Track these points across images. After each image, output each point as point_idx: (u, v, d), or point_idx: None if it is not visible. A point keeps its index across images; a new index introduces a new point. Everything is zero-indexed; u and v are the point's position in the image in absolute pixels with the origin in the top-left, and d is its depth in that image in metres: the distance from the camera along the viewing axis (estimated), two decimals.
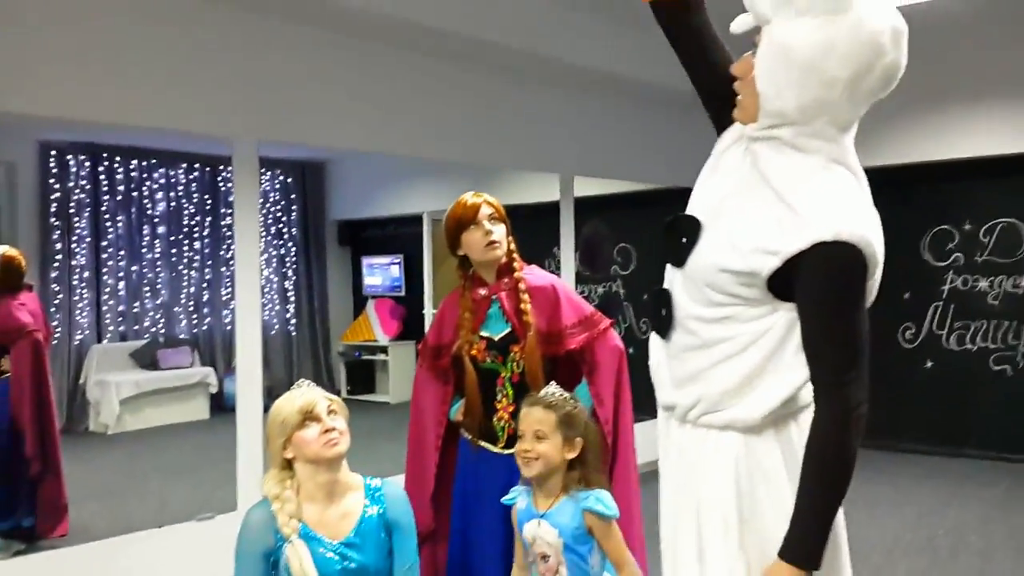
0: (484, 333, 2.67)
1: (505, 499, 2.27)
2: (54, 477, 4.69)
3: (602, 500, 2.15)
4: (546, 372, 2.61)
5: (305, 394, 2.18)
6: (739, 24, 1.65)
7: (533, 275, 2.73)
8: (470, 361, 2.65)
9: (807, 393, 1.63)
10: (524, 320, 2.61)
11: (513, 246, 2.70)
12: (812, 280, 1.53)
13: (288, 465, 2.20)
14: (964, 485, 5.80)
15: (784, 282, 1.56)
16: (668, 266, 1.79)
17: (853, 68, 1.52)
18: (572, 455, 2.16)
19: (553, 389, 2.23)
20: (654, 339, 1.83)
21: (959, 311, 6.65)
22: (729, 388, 1.64)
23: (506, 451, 2.58)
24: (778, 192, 1.59)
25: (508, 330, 2.64)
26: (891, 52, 1.55)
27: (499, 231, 2.64)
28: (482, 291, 2.69)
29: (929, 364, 6.72)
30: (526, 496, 2.21)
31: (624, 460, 2.67)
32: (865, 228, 1.54)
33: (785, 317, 1.60)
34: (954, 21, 5.57)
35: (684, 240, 1.70)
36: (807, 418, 1.61)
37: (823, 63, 1.52)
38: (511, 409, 2.61)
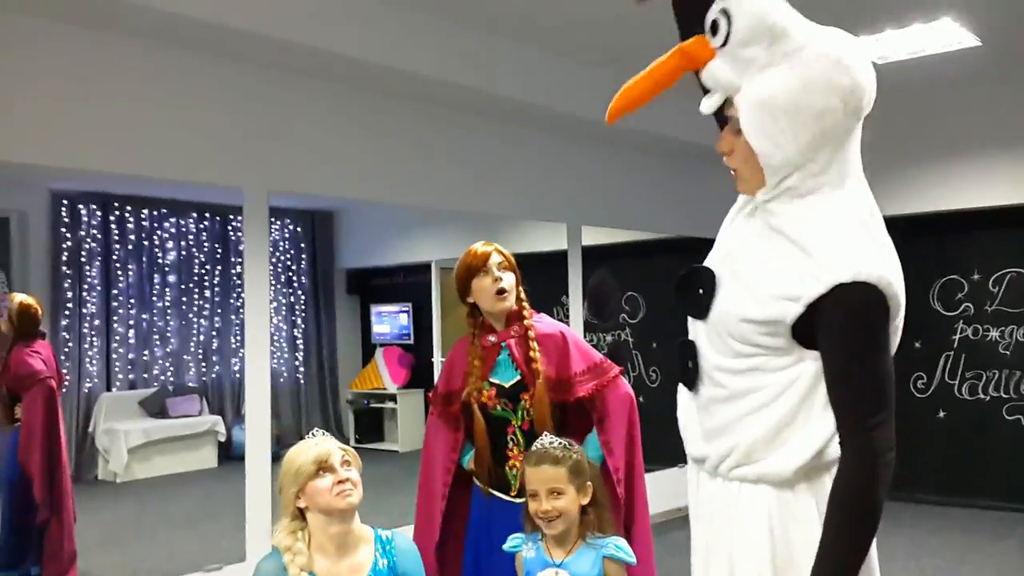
0: (494, 380, 2.67)
1: (507, 547, 2.24)
2: (63, 526, 4.66)
3: (622, 548, 2.16)
4: (555, 420, 2.61)
5: (320, 444, 2.18)
6: (707, 105, 1.67)
7: (542, 323, 2.74)
8: (480, 408, 2.65)
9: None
10: (533, 368, 2.61)
11: (523, 295, 2.72)
12: (833, 323, 1.51)
13: (300, 515, 2.19)
14: (979, 536, 5.72)
15: (808, 329, 1.54)
16: (690, 318, 1.78)
17: (837, 92, 1.54)
18: (586, 501, 2.16)
19: (549, 440, 2.22)
20: (682, 392, 1.81)
21: (970, 361, 6.62)
22: (759, 440, 1.61)
23: (519, 499, 2.55)
24: (793, 239, 1.58)
25: (518, 378, 2.65)
26: (859, 62, 1.57)
27: (508, 279, 2.66)
28: (491, 338, 2.70)
29: (942, 414, 6.67)
30: (533, 543, 2.19)
31: (640, 510, 2.66)
32: (884, 267, 1.52)
33: (812, 366, 1.57)
34: (962, 74, 5.64)
35: (701, 291, 1.69)
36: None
37: (808, 99, 1.53)
38: (522, 457, 2.59)
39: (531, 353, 2.63)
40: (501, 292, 2.63)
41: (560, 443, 2.20)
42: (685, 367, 1.75)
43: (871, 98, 1.60)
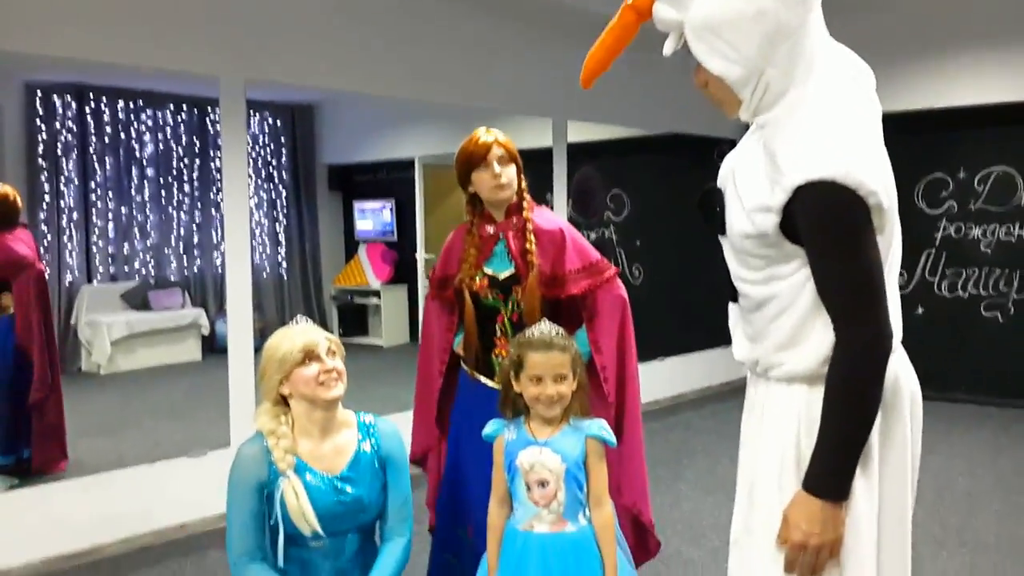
0: (488, 270, 2.67)
1: (486, 433, 2.26)
2: (58, 411, 4.73)
3: (604, 428, 2.20)
4: (546, 315, 2.59)
5: (307, 332, 2.17)
6: (668, 47, 1.72)
7: (542, 217, 2.72)
8: (471, 297, 2.66)
9: None
10: (528, 261, 2.62)
11: (524, 185, 2.70)
12: (803, 226, 1.54)
13: (282, 401, 2.19)
14: (952, 429, 5.87)
15: (796, 232, 1.57)
16: (719, 237, 1.82)
17: None
18: (575, 387, 2.18)
19: (548, 326, 2.23)
20: (731, 305, 1.86)
21: (951, 258, 6.67)
22: (782, 343, 1.66)
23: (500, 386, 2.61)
24: (769, 150, 1.60)
25: (512, 270, 2.65)
26: None
27: (509, 172, 2.64)
28: (490, 228, 2.70)
29: (920, 310, 6.76)
30: (515, 427, 2.22)
31: (631, 413, 2.68)
32: (844, 160, 1.50)
33: None
34: None
35: (719, 209, 1.74)
36: None
37: (738, 7, 1.56)
38: (508, 347, 2.59)
39: (527, 246, 2.63)
40: (500, 186, 2.62)
41: (558, 330, 2.22)
42: (728, 283, 1.81)
43: None
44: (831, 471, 1.56)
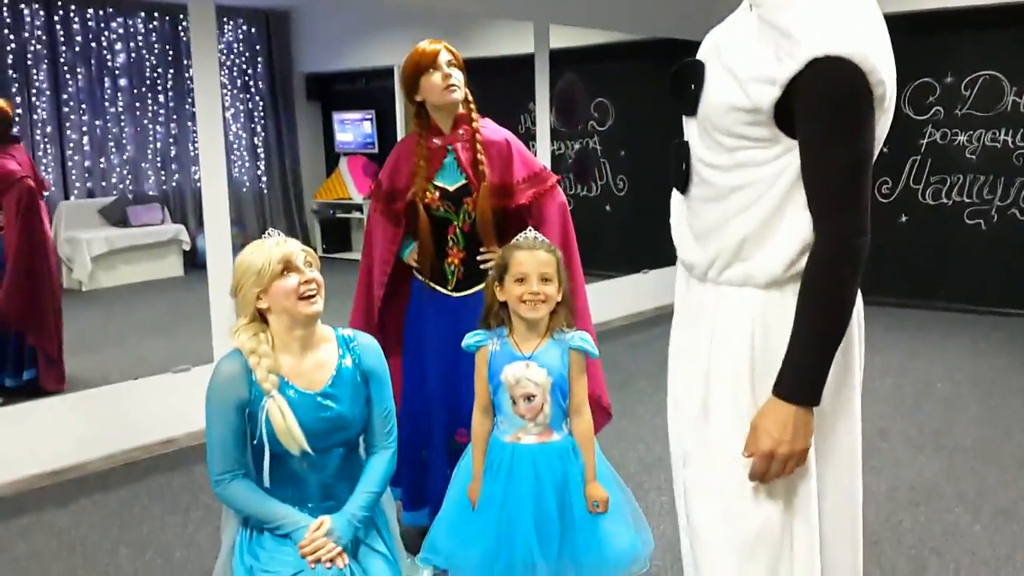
0: (438, 183, 2.74)
1: (467, 343, 2.25)
2: (50, 331, 4.70)
3: (587, 340, 2.19)
4: (495, 225, 2.73)
5: (282, 243, 2.11)
6: None
7: (488, 128, 2.78)
8: (424, 209, 2.72)
9: None
10: (480, 172, 2.70)
11: (471, 97, 2.75)
12: (808, 102, 1.45)
13: (259, 316, 2.15)
14: (933, 336, 5.93)
15: (790, 116, 1.49)
16: (684, 117, 1.73)
17: None
18: (559, 296, 2.17)
19: (533, 234, 2.22)
20: (675, 196, 1.78)
21: (936, 165, 6.64)
22: (747, 239, 1.58)
23: (455, 293, 2.78)
24: (775, 24, 1.51)
25: (463, 182, 2.72)
26: None
27: (457, 76, 2.68)
28: (437, 140, 2.75)
29: (904, 218, 6.75)
30: (498, 339, 2.20)
31: (581, 310, 2.72)
32: (863, 41, 1.45)
33: (797, 159, 1.53)
34: None
35: (692, 87, 1.63)
36: None
37: None
38: (461, 256, 2.77)
39: (478, 156, 2.70)
40: (450, 87, 2.65)
41: (543, 238, 2.22)
42: (678, 169, 1.71)
43: None
44: (806, 375, 1.51)
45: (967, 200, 6.55)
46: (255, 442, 2.09)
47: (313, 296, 2.09)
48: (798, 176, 1.52)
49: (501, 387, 2.16)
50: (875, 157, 1.56)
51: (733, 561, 1.64)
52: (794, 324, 1.52)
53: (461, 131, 2.73)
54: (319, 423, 2.10)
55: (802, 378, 1.52)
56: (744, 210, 1.58)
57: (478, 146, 2.71)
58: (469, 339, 2.25)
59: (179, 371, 4.20)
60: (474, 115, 2.75)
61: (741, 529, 1.64)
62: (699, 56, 1.69)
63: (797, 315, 1.52)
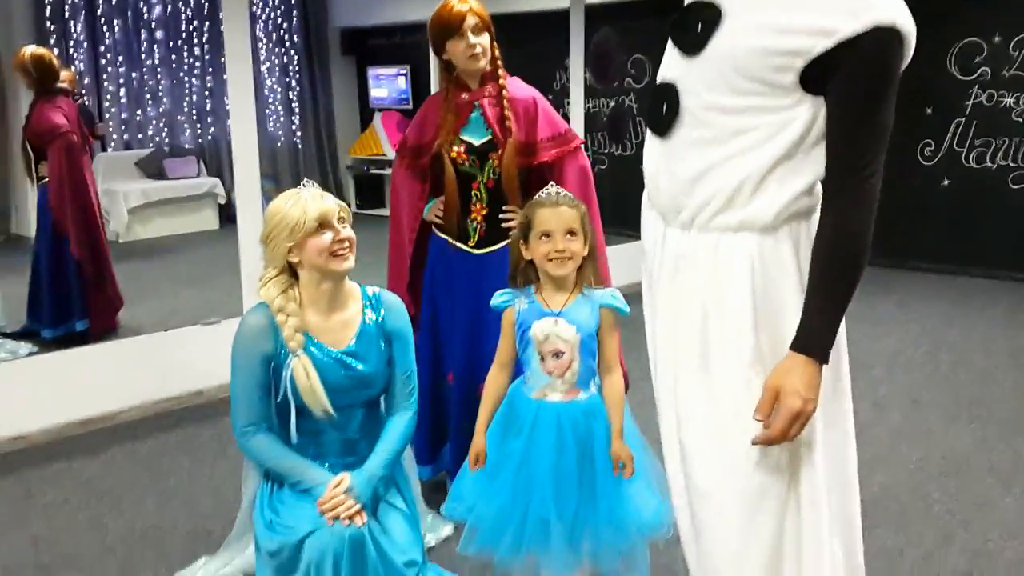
0: (464, 137, 2.75)
1: (495, 303, 2.23)
2: (106, 278, 4.78)
3: (617, 298, 2.16)
4: (520, 182, 2.75)
5: (318, 198, 2.09)
6: None
7: (515, 86, 2.80)
8: (450, 163, 2.73)
9: (819, 190, 1.60)
10: (506, 127, 2.71)
11: (498, 53, 2.76)
12: (862, 65, 1.46)
13: (288, 268, 2.14)
14: (970, 304, 5.82)
15: (819, 69, 1.48)
16: (671, 58, 1.70)
17: None
18: (586, 253, 2.14)
19: (556, 189, 2.19)
20: (651, 141, 1.75)
21: (981, 128, 6.45)
22: (746, 182, 1.57)
23: (476, 250, 2.80)
24: None
25: (488, 137, 2.73)
26: None
27: (483, 41, 2.68)
28: (465, 96, 2.76)
29: (946, 182, 6.59)
30: (526, 296, 2.18)
31: (601, 269, 2.70)
32: (911, 19, 1.49)
33: (808, 111, 1.54)
34: None
35: (701, 26, 1.60)
36: (818, 217, 1.58)
37: None
38: (484, 212, 2.77)
39: (505, 112, 2.71)
40: (474, 56, 2.67)
41: (567, 193, 2.19)
42: (659, 111, 1.68)
43: None
44: (826, 333, 1.52)
45: (1012, 164, 6.37)
46: (279, 399, 2.10)
47: (345, 253, 2.08)
48: (805, 129, 1.54)
49: (530, 343, 2.15)
50: None
51: (740, 516, 1.63)
52: (817, 278, 1.53)
53: (488, 88, 2.75)
54: (342, 380, 2.11)
55: (824, 336, 1.52)
56: (745, 153, 1.57)
57: (505, 102, 2.72)
58: (496, 298, 2.23)
59: (209, 323, 4.23)
60: (500, 72, 2.75)
61: (748, 482, 1.62)
62: None
63: (818, 273, 1.53)
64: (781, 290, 1.61)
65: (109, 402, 3.92)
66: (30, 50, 4.69)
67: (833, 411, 1.68)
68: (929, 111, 6.50)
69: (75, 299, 4.79)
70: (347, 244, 2.09)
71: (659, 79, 1.73)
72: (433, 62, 9.60)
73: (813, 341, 1.52)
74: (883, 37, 1.45)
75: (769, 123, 1.55)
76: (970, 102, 6.44)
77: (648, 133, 1.76)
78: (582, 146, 2.85)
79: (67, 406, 3.81)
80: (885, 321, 5.34)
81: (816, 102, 1.53)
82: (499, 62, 2.75)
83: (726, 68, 1.57)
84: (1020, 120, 6.29)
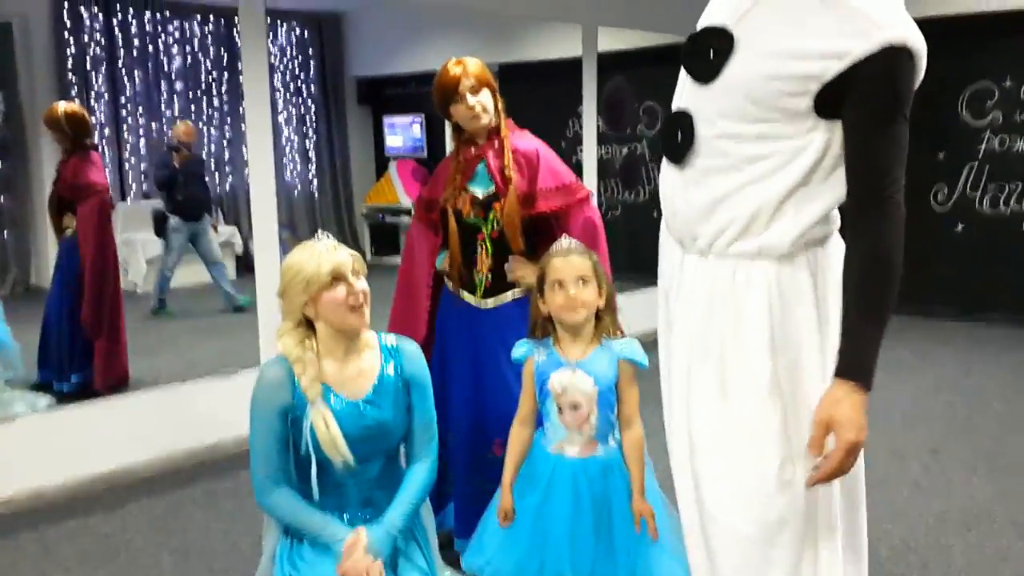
0: (470, 189, 2.80)
1: (516, 355, 2.25)
2: (116, 335, 4.81)
3: (636, 349, 2.17)
4: (524, 234, 2.76)
5: (333, 251, 2.10)
6: None
7: (520, 138, 2.85)
8: (454, 215, 2.79)
9: (836, 216, 1.62)
10: (506, 176, 2.74)
11: (501, 107, 2.80)
12: (876, 85, 1.48)
13: (305, 321, 2.16)
14: (987, 351, 5.78)
15: (832, 93, 1.50)
16: (684, 86, 1.71)
17: None
18: (602, 303, 2.16)
19: (568, 240, 2.23)
20: (667, 169, 1.76)
21: (994, 173, 6.46)
22: (762, 210, 1.58)
23: (483, 301, 2.81)
24: (832, 0, 1.50)
25: (492, 188, 2.78)
26: None
27: (483, 99, 2.74)
28: (473, 150, 2.82)
29: (960, 227, 6.58)
30: (544, 348, 2.20)
31: None
32: (921, 38, 1.51)
33: (822, 136, 1.55)
34: None
35: (713, 53, 1.62)
36: (834, 244, 1.60)
37: None
38: (489, 263, 2.80)
39: (505, 162, 2.75)
40: (475, 116, 2.73)
41: (579, 243, 2.23)
42: (673, 140, 1.69)
43: None
44: (871, 354, 1.50)
45: None
46: (301, 452, 2.10)
47: (360, 306, 2.10)
48: (820, 154, 1.55)
49: (548, 396, 2.16)
50: None
51: (757, 548, 1.61)
52: (854, 301, 1.51)
53: (495, 141, 2.81)
54: (361, 431, 2.11)
55: (871, 358, 1.50)
56: (760, 181, 1.58)
57: (506, 153, 2.77)
58: (516, 350, 2.25)
59: (226, 374, 4.25)
60: (503, 124, 2.81)
61: (765, 513, 1.60)
62: (717, 21, 1.66)
63: (854, 295, 1.51)
64: (798, 318, 1.60)
65: (126, 456, 3.92)
66: (63, 106, 4.78)
67: None
68: (941, 156, 6.51)
69: (88, 353, 4.82)
70: (362, 297, 2.10)
71: (674, 107, 1.74)
72: None
73: (857, 366, 1.49)
74: (895, 56, 1.46)
75: (784, 150, 1.56)
76: (982, 146, 6.46)
77: (664, 160, 1.77)
78: (591, 198, 2.86)
79: (84, 461, 3.81)
80: (902, 369, 5.31)
81: (830, 127, 1.54)
82: (503, 115, 2.81)
83: (739, 96, 1.58)
84: None
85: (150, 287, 8.07)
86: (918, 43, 1.49)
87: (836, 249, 1.65)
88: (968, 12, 6.04)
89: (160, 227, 7.19)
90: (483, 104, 2.73)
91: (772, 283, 1.59)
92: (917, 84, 1.53)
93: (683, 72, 1.73)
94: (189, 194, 6.84)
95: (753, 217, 1.59)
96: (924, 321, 6.46)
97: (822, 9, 1.50)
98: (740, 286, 1.61)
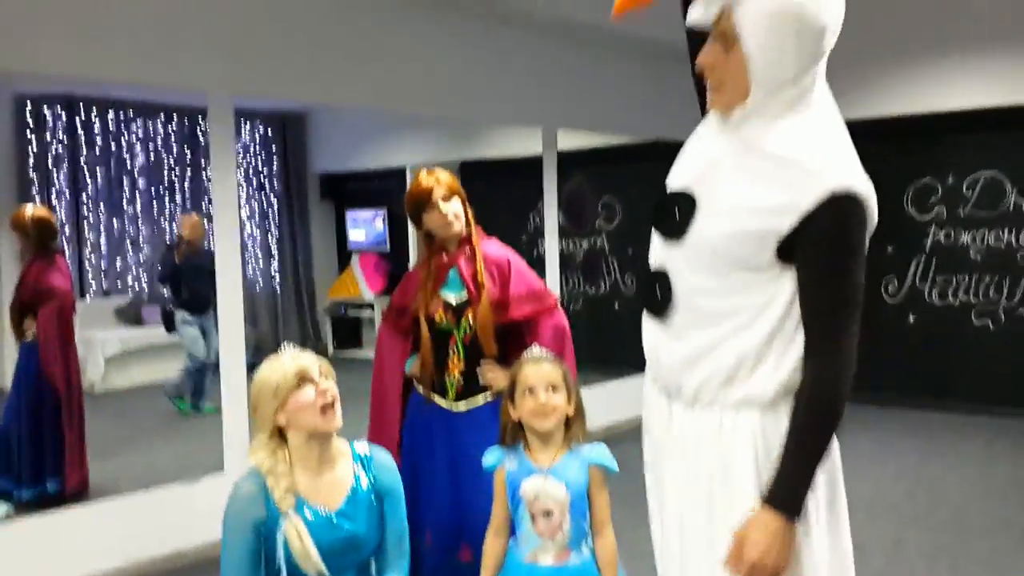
0: (443, 295, 2.87)
1: (487, 463, 2.27)
2: (78, 441, 4.74)
3: (605, 454, 2.20)
4: (497, 339, 2.83)
5: (297, 357, 2.14)
6: (701, 15, 1.62)
7: (491, 247, 2.95)
8: (427, 321, 2.85)
9: None
10: (479, 283, 2.82)
11: (471, 216, 2.90)
12: (820, 232, 1.53)
13: (278, 432, 2.17)
14: (945, 439, 5.88)
15: (790, 244, 1.56)
16: (658, 245, 1.77)
17: (836, 9, 1.56)
18: (571, 411, 2.20)
19: (539, 349, 2.29)
20: (648, 322, 1.80)
21: (941, 265, 6.69)
22: (742, 361, 1.62)
23: (455, 405, 2.85)
24: (780, 157, 1.57)
25: (464, 295, 2.85)
26: None
27: (454, 207, 2.85)
28: (445, 258, 2.90)
29: (912, 318, 6.77)
30: (514, 455, 2.22)
31: None
32: (866, 179, 1.55)
33: (792, 282, 1.59)
34: None
35: (679, 214, 1.68)
36: None
37: (814, 16, 1.53)
38: (461, 367, 2.85)
39: (478, 268, 2.84)
40: (448, 224, 2.83)
41: (549, 352, 2.29)
42: (653, 296, 1.74)
43: (840, 19, 1.62)
44: (799, 489, 1.55)
45: (973, 300, 6.58)
46: (275, 566, 2.08)
47: (330, 406, 2.12)
48: (791, 300, 1.59)
49: (520, 503, 2.17)
50: None
51: None
52: (788, 438, 1.57)
53: (466, 249, 2.89)
54: (334, 544, 2.10)
55: (796, 491, 1.55)
56: (737, 334, 1.62)
57: (478, 261, 2.86)
58: (487, 458, 2.27)
59: (190, 481, 4.19)
60: (474, 232, 2.91)
61: None
62: (679, 182, 1.73)
63: (793, 431, 1.57)
64: None
65: (88, 566, 3.82)
66: (31, 211, 4.79)
67: (833, 556, 1.68)
68: (890, 249, 6.73)
69: (50, 458, 4.72)
70: (329, 397, 2.12)
71: (651, 264, 1.79)
72: None
73: (782, 495, 1.55)
74: (840, 205, 1.51)
75: (756, 302, 1.60)
76: (929, 240, 6.70)
77: (644, 313, 1.81)
78: (558, 304, 2.95)
79: (45, 572, 3.71)
80: (862, 459, 5.38)
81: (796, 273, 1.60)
82: (472, 224, 2.91)
83: (707, 254, 1.64)
84: (977, 257, 6.53)
85: (108, 386, 7.96)
86: (863, 188, 1.53)
87: None
88: (911, 113, 6.33)
89: (169, 323, 7.03)
90: (455, 212, 2.84)
91: (757, 433, 1.63)
92: (872, 227, 1.57)
93: (654, 232, 1.80)
94: (194, 288, 6.72)
95: (735, 368, 1.63)
96: (880, 411, 6.57)
97: (772, 166, 1.58)
98: (727, 434, 1.65)
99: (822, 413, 1.56)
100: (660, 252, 1.77)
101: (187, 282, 6.78)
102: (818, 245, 1.54)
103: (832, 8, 1.56)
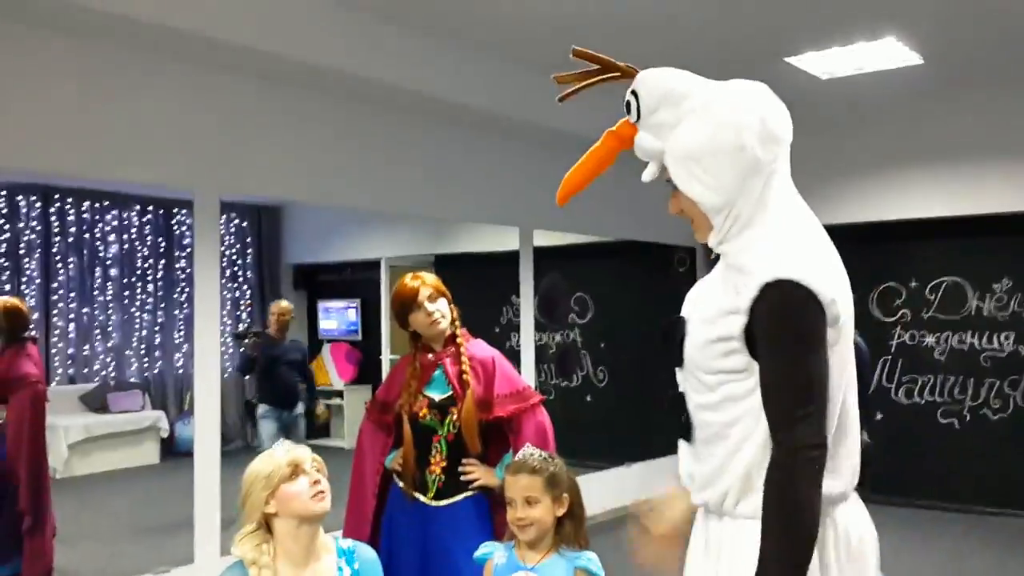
0: (427, 393, 2.90)
1: (478, 555, 2.28)
2: (45, 532, 4.61)
3: (593, 562, 2.20)
4: (480, 435, 2.86)
5: (291, 450, 2.17)
6: (647, 174, 1.80)
7: (476, 347, 3.00)
8: (410, 418, 2.88)
9: (836, 468, 1.65)
10: (464, 382, 2.87)
11: (456, 316, 2.97)
12: (763, 322, 1.58)
13: (264, 524, 2.17)
14: (914, 536, 5.91)
15: (751, 343, 1.61)
16: (676, 369, 1.83)
17: (746, 128, 1.65)
18: (561, 512, 2.21)
19: (531, 451, 2.29)
20: (681, 446, 1.84)
21: (907, 365, 6.83)
22: (751, 470, 1.64)
23: (434, 502, 2.86)
24: (732, 265, 1.68)
25: (449, 393, 2.89)
26: (761, 98, 1.71)
27: (440, 307, 2.92)
28: (430, 356, 2.96)
29: (879, 416, 6.87)
30: (505, 550, 2.23)
31: None
32: (809, 266, 1.59)
33: None
34: (904, 90, 5.82)
35: (678, 339, 1.77)
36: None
37: (722, 139, 1.64)
38: (443, 464, 2.87)
39: (463, 367, 2.89)
40: (434, 323, 2.90)
41: (541, 455, 2.27)
42: (678, 421, 1.79)
43: (785, 126, 1.72)
44: None
45: (939, 399, 6.71)
46: None
47: (323, 493, 2.14)
48: None
49: None
50: (847, 375, 1.66)
51: None
52: (761, 540, 1.55)
53: (451, 348, 2.95)
54: None
55: None
56: (742, 443, 1.65)
57: (464, 360, 2.90)
58: (479, 551, 2.29)
59: (159, 573, 4.09)
60: (459, 332, 2.96)
61: None
62: (684, 309, 1.84)
63: (762, 530, 1.55)
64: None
65: None
66: (2, 301, 4.73)
67: None
68: None
69: (15, 545, 4.60)
70: (323, 485, 2.15)
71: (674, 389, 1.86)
72: (384, 294, 9.82)
73: None
74: (772, 294, 1.56)
75: (747, 410, 1.64)
76: (894, 341, 6.86)
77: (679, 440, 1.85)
78: (541, 403, 2.98)
79: None
80: None
81: None
82: (457, 324, 2.96)
83: (696, 368, 1.72)
84: (941, 358, 6.69)
85: (70, 472, 7.80)
86: (799, 275, 1.56)
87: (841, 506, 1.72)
88: (874, 220, 6.58)
89: (251, 414, 6.74)
90: (441, 311, 2.90)
91: None
92: (830, 312, 1.58)
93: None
94: (275, 379, 6.27)
95: (747, 476, 1.65)
96: None
97: (727, 273, 1.70)
98: (746, 545, 1.63)
99: (780, 503, 1.53)
100: (677, 376, 1.84)
101: (268, 373, 6.30)
102: (763, 337, 1.58)
103: (749, 124, 1.65)
